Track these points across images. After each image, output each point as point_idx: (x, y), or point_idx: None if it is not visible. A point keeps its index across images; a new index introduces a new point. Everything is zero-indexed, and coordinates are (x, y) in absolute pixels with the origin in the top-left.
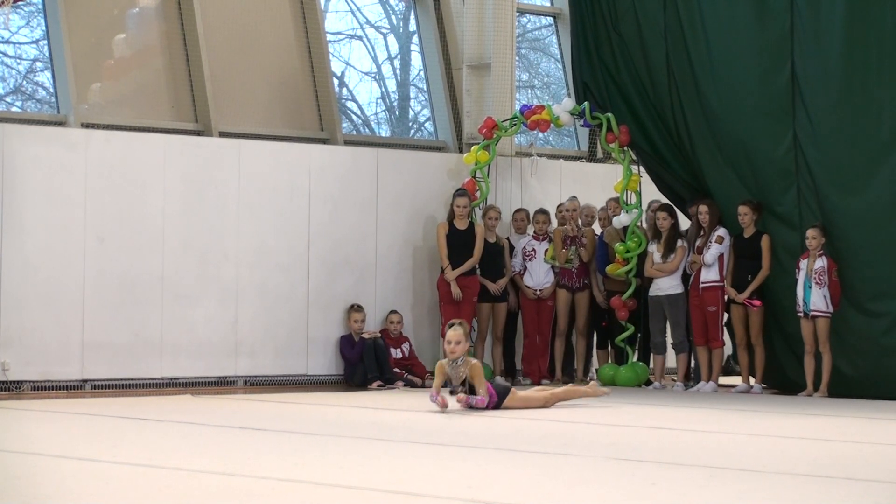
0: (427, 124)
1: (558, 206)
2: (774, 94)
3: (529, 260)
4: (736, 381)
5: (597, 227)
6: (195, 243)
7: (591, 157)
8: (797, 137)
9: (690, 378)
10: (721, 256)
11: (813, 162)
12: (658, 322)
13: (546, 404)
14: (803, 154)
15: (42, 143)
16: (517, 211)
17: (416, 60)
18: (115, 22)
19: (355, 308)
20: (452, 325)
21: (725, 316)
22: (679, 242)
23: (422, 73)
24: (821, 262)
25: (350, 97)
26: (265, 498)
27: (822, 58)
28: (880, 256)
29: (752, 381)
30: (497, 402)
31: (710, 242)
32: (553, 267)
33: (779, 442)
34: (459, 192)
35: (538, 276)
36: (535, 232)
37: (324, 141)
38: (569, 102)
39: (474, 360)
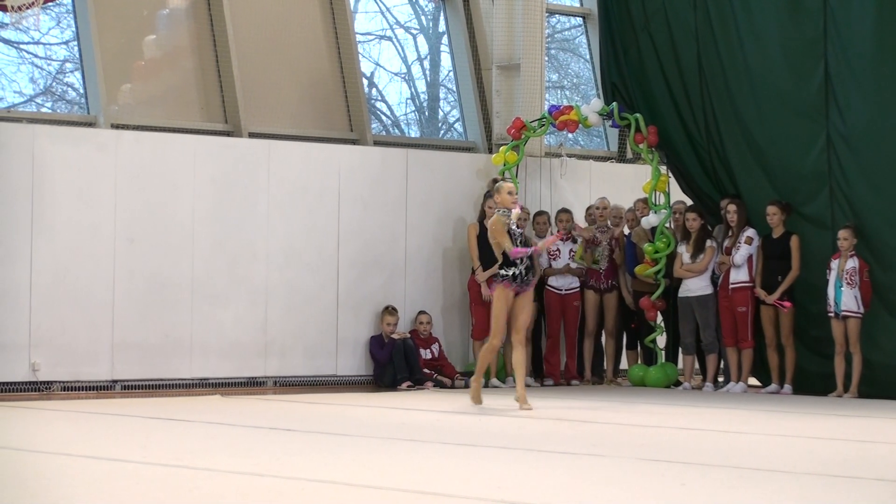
0: (456, 125)
1: (587, 208)
2: (808, 95)
3: (554, 260)
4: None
5: (625, 229)
6: (225, 244)
7: (621, 158)
8: (830, 138)
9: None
10: (750, 257)
11: (846, 162)
12: (688, 323)
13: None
14: (836, 155)
15: (72, 144)
16: (538, 214)
17: (445, 61)
18: (144, 23)
19: (389, 311)
20: (502, 178)
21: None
22: (708, 243)
23: (451, 73)
24: (852, 263)
25: (380, 98)
26: (294, 498)
27: (855, 58)
28: None
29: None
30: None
31: (740, 243)
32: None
33: (809, 443)
34: (490, 192)
35: (563, 276)
36: (558, 231)
37: (353, 141)
38: (597, 103)
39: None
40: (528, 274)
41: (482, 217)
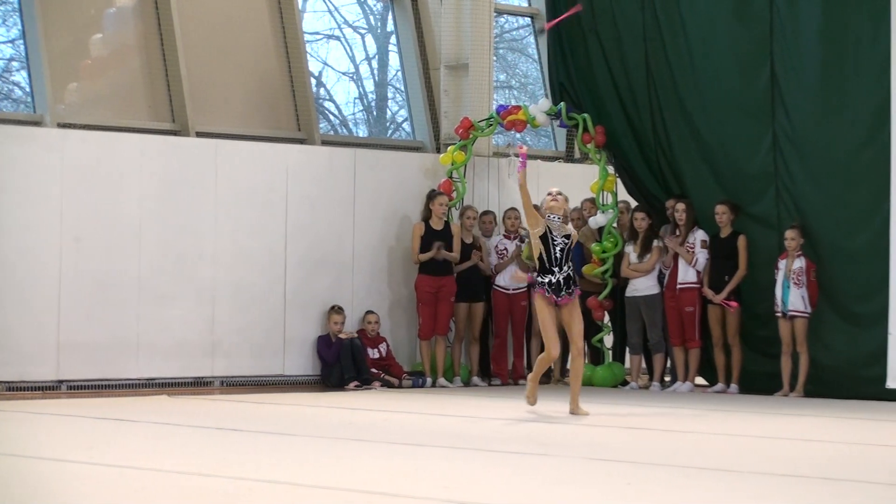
0: (404, 124)
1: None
2: (754, 96)
3: (502, 259)
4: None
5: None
6: (172, 243)
7: (568, 158)
8: (777, 138)
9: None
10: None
11: (792, 163)
12: (635, 322)
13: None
14: (783, 154)
15: (18, 143)
16: (484, 213)
17: (393, 60)
18: (91, 22)
19: (336, 310)
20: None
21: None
22: (655, 243)
23: (399, 73)
24: (799, 263)
25: (328, 97)
26: (242, 498)
27: (801, 58)
28: (859, 257)
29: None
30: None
31: (696, 247)
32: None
33: (755, 442)
34: (438, 192)
35: (511, 276)
36: (505, 230)
37: (301, 141)
38: (545, 103)
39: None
40: (569, 284)
41: (426, 217)
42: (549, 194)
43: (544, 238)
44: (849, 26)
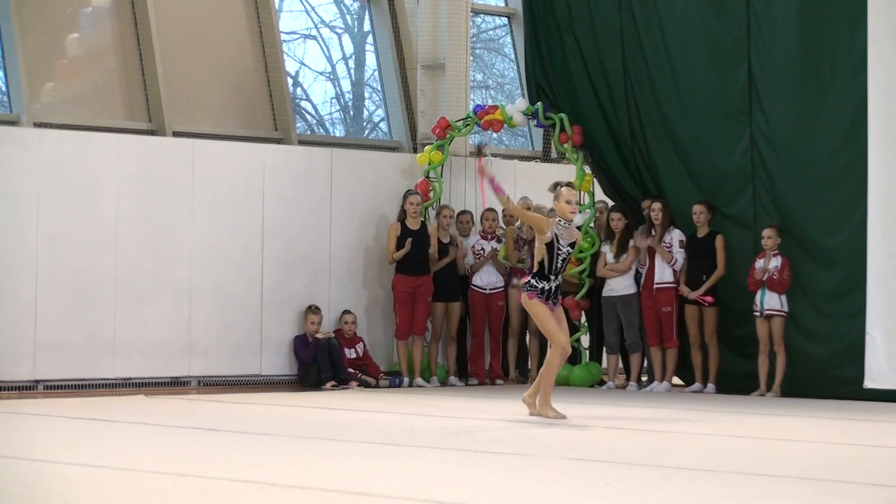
0: (381, 124)
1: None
2: (731, 95)
3: (479, 259)
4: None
5: None
6: (149, 243)
7: (546, 158)
8: (754, 138)
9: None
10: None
11: (769, 162)
12: (612, 322)
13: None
14: (760, 154)
15: None
16: (461, 213)
17: (370, 60)
18: (68, 21)
19: (312, 310)
20: (564, 184)
21: None
22: (631, 242)
23: (376, 73)
24: (775, 262)
25: (304, 97)
26: (219, 498)
27: (778, 59)
28: (836, 256)
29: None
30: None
31: (673, 246)
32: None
33: (733, 442)
34: (411, 192)
35: (488, 276)
36: (482, 231)
37: (278, 141)
38: (522, 103)
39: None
40: (557, 293)
41: (402, 217)
42: (569, 203)
43: (550, 246)
44: (825, 28)
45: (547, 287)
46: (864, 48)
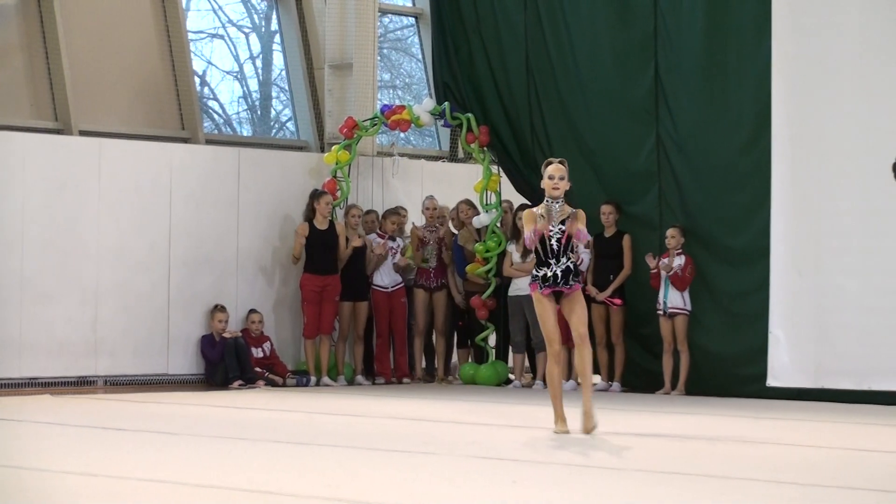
0: (289, 124)
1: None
2: (638, 96)
3: (394, 257)
4: None
5: (452, 228)
6: (55, 242)
7: (453, 158)
8: (660, 139)
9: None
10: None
11: (675, 163)
12: (518, 321)
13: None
14: (666, 155)
15: None
16: (367, 212)
17: (277, 60)
18: None
19: (219, 308)
20: (552, 162)
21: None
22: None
23: (283, 72)
24: (679, 261)
25: (212, 96)
26: (126, 498)
27: (684, 60)
28: (741, 256)
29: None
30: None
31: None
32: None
33: (636, 440)
34: (322, 192)
35: (389, 275)
36: (380, 229)
37: (185, 140)
38: (429, 103)
39: (579, 210)
40: (567, 276)
41: (310, 216)
42: (551, 178)
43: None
44: (731, 30)
45: (549, 273)
46: (770, 51)
